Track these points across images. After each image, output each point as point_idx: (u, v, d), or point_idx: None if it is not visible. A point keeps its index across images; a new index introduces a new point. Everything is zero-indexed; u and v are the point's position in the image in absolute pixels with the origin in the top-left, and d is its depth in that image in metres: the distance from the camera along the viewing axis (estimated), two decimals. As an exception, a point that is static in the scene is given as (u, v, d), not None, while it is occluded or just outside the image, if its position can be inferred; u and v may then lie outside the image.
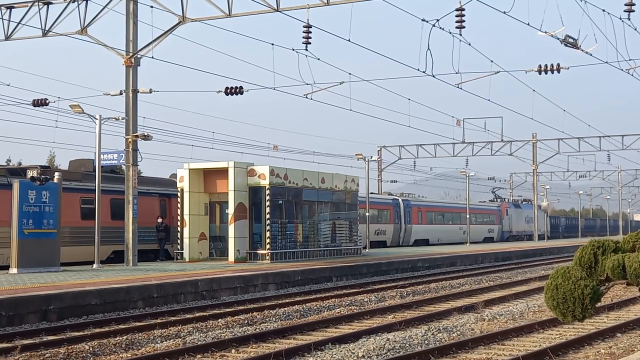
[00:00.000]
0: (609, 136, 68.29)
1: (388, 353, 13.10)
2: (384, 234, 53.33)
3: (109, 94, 30.14)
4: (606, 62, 27.77)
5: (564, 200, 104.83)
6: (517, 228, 77.94)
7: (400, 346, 13.68)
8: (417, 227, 57.52)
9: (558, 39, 24.80)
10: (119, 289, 19.33)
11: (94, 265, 26.96)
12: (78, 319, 17.44)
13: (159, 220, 33.02)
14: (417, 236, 57.51)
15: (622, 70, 29.05)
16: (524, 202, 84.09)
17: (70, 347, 13.63)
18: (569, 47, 24.95)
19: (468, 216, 58.71)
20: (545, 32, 24.47)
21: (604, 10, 23.91)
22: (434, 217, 61.85)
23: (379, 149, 73.09)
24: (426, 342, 14.23)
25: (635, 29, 24.79)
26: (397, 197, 57.42)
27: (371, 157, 49.05)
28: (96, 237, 27.25)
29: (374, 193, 59.32)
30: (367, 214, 44.75)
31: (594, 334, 14.72)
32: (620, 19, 23.82)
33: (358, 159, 48.23)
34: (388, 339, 14.17)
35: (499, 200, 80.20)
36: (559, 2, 22.95)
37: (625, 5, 23.02)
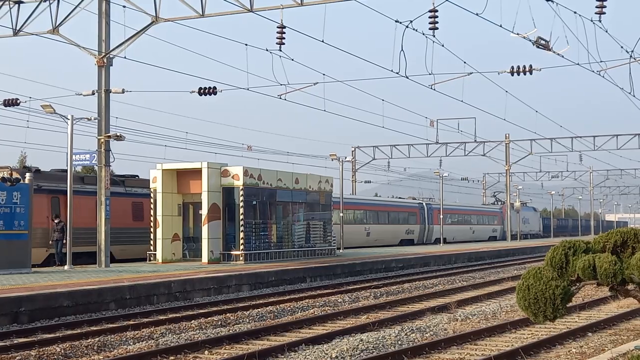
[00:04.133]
0: (580, 137, 68.94)
1: (361, 354, 13.12)
2: (413, 233, 60.66)
3: (81, 94, 29.89)
4: (577, 64, 28.01)
5: (537, 200, 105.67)
6: (515, 228, 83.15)
7: (373, 347, 13.71)
8: (437, 227, 63.63)
9: (530, 40, 24.96)
10: (91, 290, 19.19)
11: (66, 267, 26.72)
12: (49, 321, 17.30)
13: (56, 220, 28.95)
14: (437, 235, 63.22)
15: (593, 72, 29.32)
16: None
17: (41, 350, 13.51)
18: (541, 48, 25.11)
19: (442, 216, 59.50)
20: (518, 34, 24.61)
21: (575, 12, 24.09)
22: (451, 218, 68.86)
23: (353, 149, 73.20)
24: (399, 342, 14.27)
25: (607, 31, 25.00)
26: (422, 201, 64.86)
27: (345, 158, 49.11)
28: (68, 237, 27.01)
29: (402, 198, 68.58)
30: (340, 214, 44.78)
31: (565, 333, 14.84)
32: (592, 20, 24.00)
33: (332, 160, 48.21)
34: (361, 340, 14.19)
35: (499, 203, 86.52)
36: (530, 4, 23.08)
37: (597, 7, 23.21)
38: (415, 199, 68.02)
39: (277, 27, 25.43)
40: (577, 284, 8.94)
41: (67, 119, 27.69)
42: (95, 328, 16.22)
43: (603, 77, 29.85)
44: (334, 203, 47.30)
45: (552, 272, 8.77)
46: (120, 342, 14.59)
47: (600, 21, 23.71)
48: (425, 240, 62.48)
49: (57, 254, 29.29)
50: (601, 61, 28.38)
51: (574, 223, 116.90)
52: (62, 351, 13.48)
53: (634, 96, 31.25)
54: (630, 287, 8.73)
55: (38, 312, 17.46)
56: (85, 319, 17.61)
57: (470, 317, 17.84)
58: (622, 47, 27.51)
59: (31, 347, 13.79)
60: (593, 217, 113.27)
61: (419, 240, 61.88)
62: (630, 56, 28.07)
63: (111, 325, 16.57)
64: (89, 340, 14.54)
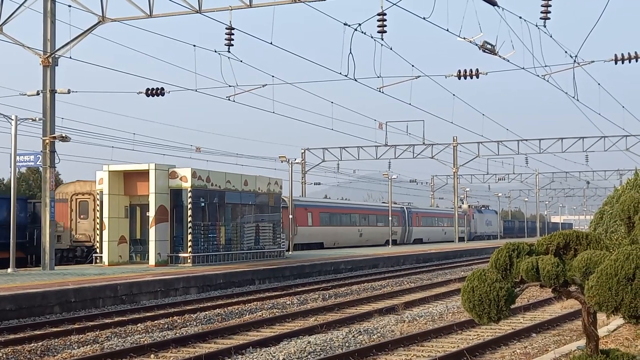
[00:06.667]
0: (526, 140, 69.94)
1: (309, 356, 13.13)
2: (396, 234, 65.99)
3: (25, 94, 29.39)
4: (523, 68, 28.42)
5: (484, 202, 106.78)
6: (480, 230, 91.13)
7: (321, 349, 13.72)
8: (416, 228, 71.54)
9: (476, 45, 25.25)
10: (35, 293, 18.88)
11: (9, 270, 26.26)
12: (-9, 326, 16.97)
13: None
14: (416, 236, 70.90)
15: (538, 76, 29.75)
16: (483, 208, 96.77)
17: (-18, 355, 13.25)
18: (487, 53, 25.41)
19: (391, 218, 60.03)
20: (464, 38, 24.88)
21: (520, 17, 24.45)
22: (427, 221, 75.85)
23: (302, 151, 73.17)
24: (347, 344, 14.31)
25: (551, 36, 25.41)
26: (403, 206, 70.93)
27: (295, 160, 49.08)
28: (11, 241, 26.55)
29: (386, 203, 72.65)
30: (290, 216, 44.79)
31: (510, 334, 15.03)
32: (537, 26, 24.39)
33: (282, 162, 48.13)
34: (309, 342, 14.20)
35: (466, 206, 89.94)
36: (477, 8, 23.36)
37: (541, 12, 23.58)
38: (395, 203, 71.47)
39: (226, 29, 25.35)
40: (521, 286, 9.04)
41: (10, 119, 27.23)
42: (38, 332, 15.96)
43: (548, 81, 30.33)
44: (315, 207, 49.23)
45: (496, 274, 8.85)
46: (64, 346, 14.38)
47: (545, 26, 24.11)
48: (405, 240, 67.97)
49: None
50: (546, 65, 28.83)
51: (521, 225, 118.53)
52: (4, 356, 13.23)
53: (577, 100, 31.80)
54: (572, 288, 8.86)
55: (-20, 316, 17.11)
56: (28, 322, 17.30)
57: (418, 318, 17.97)
58: (566, 51, 27.99)
59: (-28, 352, 13.52)
60: (539, 219, 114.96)
61: (400, 240, 67.31)
62: (574, 61, 28.58)
63: (55, 329, 16.32)
64: (32, 344, 14.31)
